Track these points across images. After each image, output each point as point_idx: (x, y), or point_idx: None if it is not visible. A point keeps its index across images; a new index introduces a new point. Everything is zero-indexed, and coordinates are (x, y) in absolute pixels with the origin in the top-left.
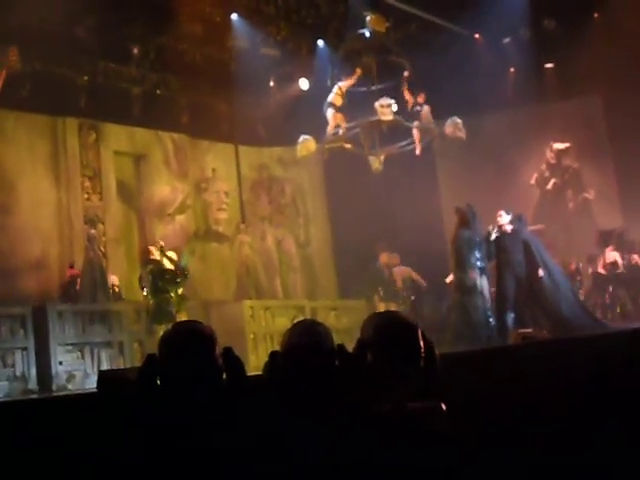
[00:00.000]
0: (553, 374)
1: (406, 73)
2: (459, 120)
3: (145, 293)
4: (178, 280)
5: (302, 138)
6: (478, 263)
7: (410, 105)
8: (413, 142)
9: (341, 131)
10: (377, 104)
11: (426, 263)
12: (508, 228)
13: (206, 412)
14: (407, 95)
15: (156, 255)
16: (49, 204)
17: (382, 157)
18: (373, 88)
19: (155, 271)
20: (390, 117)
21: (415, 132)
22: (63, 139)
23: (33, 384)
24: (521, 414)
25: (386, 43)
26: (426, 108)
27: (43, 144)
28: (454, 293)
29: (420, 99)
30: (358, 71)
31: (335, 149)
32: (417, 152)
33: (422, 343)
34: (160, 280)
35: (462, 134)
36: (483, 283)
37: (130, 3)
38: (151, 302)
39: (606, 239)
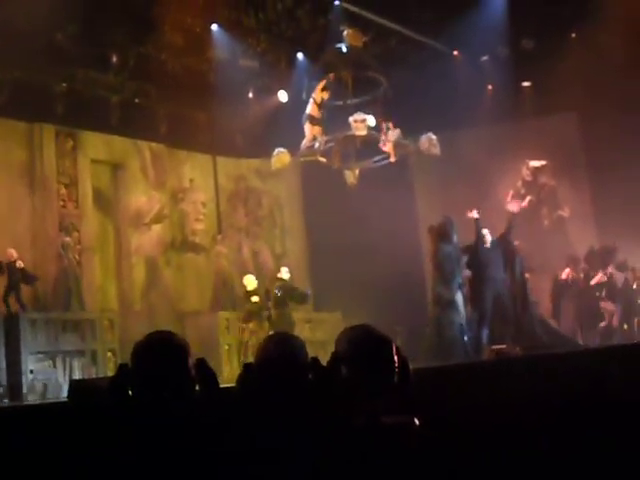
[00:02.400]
0: (527, 390)
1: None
2: (434, 136)
3: (269, 305)
4: (300, 299)
5: (277, 151)
6: (458, 278)
7: (383, 132)
8: (389, 156)
9: (317, 144)
10: (351, 119)
11: (402, 276)
12: (489, 242)
13: (178, 423)
14: (382, 124)
15: (284, 275)
16: (23, 210)
17: (357, 171)
18: (349, 102)
19: (286, 288)
20: (364, 132)
21: (389, 145)
22: (40, 146)
23: (4, 392)
24: (494, 430)
25: (363, 58)
26: (397, 132)
27: (19, 151)
28: (431, 307)
29: (390, 125)
30: (331, 76)
31: (311, 162)
32: (392, 159)
33: (396, 358)
34: (288, 297)
35: (436, 150)
36: (459, 298)
37: (111, 11)
38: (273, 312)
39: (605, 258)
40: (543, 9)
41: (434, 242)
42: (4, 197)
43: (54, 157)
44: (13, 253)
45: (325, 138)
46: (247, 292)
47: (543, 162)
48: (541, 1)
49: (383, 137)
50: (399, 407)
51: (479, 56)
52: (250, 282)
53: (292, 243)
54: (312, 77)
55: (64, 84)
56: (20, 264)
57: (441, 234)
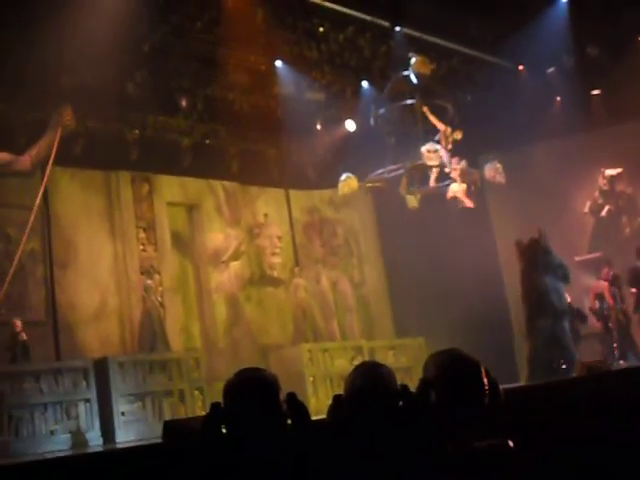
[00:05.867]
0: (622, 407)
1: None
2: (499, 164)
3: None
4: None
5: (344, 176)
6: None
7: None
8: (454, 180)
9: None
10: (424, 149)
11: (483, 298)
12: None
13: (273, 459)
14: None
15: None
16: (106, 257)
17: (419, 196)
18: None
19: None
20: (436, 162)
21: (454, 173)
22: (117, 193)
23: (97, 435)
24: (591, 450)
25: (431, 85)
26: (463, 162)
27: (98, 199)
28: (540, 320)
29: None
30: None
31: (382, 189)
32: (468, 203)
33: (486, 381)
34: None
35: (502, 178)
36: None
37: (176, 57)
38: None
39: None
40: (605, 13)
41: (527, 254)
42: (85, 244)
43: (131, 202)
44: (18, 324)
45: (394, 166)
46: None
47: (619, 170)
48: (602, 5)
49: (449, 166)
50: (491, 430)
51: (545, 68)
52: None
53: (370, 271)
54: (380, 105)
55: (136, 131)
56: (23, 337)
57: (536, 246)
